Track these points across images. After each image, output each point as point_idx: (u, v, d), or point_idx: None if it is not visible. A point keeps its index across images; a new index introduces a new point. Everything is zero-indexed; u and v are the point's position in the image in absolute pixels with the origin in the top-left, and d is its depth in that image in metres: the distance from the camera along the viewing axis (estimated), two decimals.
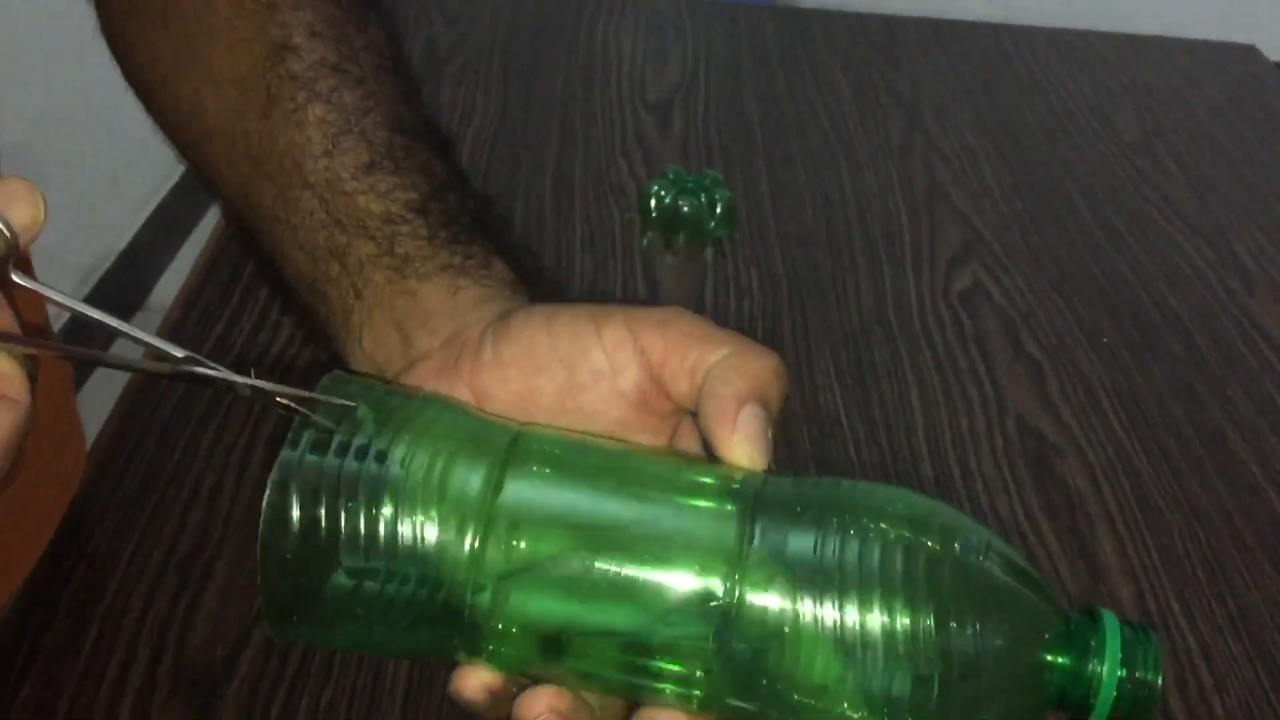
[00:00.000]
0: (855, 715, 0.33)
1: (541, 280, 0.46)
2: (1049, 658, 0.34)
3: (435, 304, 0.43)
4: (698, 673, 0.34)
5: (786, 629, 0.33)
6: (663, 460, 0.37)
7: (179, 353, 0.34)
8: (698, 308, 0.81)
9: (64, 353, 0.35)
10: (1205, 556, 0.65)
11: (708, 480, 0.36)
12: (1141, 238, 0.91)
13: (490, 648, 0.34)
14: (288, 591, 0.34)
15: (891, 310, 0.82)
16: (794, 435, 0.71)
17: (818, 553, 0.33)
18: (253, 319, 0.76)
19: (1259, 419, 0.74)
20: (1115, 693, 0.33)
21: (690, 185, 0.86)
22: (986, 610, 0.33)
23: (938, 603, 0.33)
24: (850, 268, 0.86)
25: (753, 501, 0.35)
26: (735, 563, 0.33)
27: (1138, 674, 0.33)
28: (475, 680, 0.35)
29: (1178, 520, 0.67)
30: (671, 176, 0.87)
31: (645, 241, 0.86)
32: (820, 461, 0.69)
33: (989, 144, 1.02)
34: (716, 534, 0.34)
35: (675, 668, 0.34)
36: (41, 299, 0.35)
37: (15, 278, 0.34)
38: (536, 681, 0.35)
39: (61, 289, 0.34)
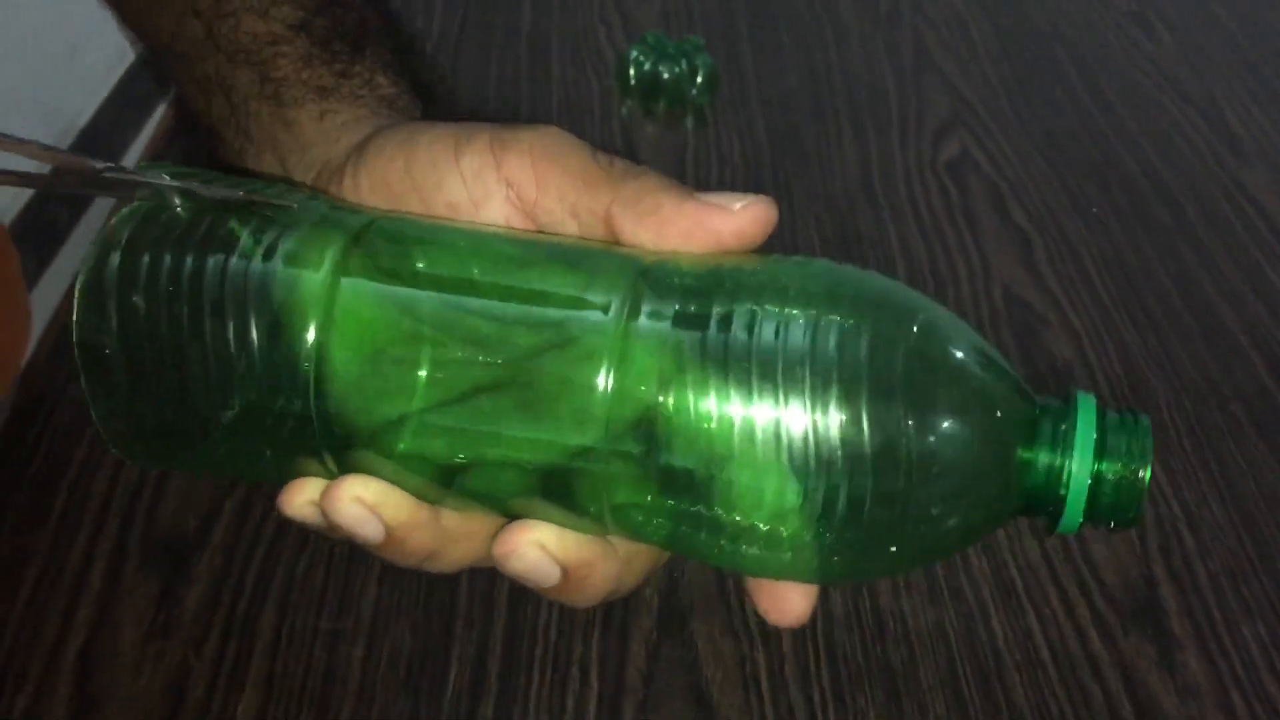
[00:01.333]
0: (788, 532, 0.28)
1: (434, 97, 0.41)
2: (1013, 451, 0.28)
3: (307, 132, 0.39)
4: (583, 481, 0.29)
5: (688, 428, 0.28)
6: (549, 244, 0.31)
7: (98, 164, 0.31)
8: (679, 177, 0.78)
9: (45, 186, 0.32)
10: (1191, 425, 0.64)
11: (593, 260, 0.30)
12: (1132, 106, 0.89)
13: (357, 463, 0.30)
14: (123, 417, 0.31)
15: (877, 180, 0.80)
16: None
17: (735, 340, 0.28)
18: None
19: (1247, 288, 0.73)
20: (1088, 489, 0.28)
21: (671, 51, 0.83)
22: (938, 400, 0.28)
23: (875, 393, 0.27)
24: (835, 136, 0.83)
25: (638, 278, 0.29)
26: (615, 352, 0.28)
27: (1117, 465, 0.28)
28: (302, 496, 0.31)
29: (1164, 389, 0.66)
30: (651, 42, 0.84)
31: (624, 110, 0.83)
32: None
33: (978, 10, 0.99)
34: (606, 329, 0.28)
35: (571, 482, 0.29)
36: None
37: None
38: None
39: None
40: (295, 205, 0.31)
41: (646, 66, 0.83)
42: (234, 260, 0.30)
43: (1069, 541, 0.58)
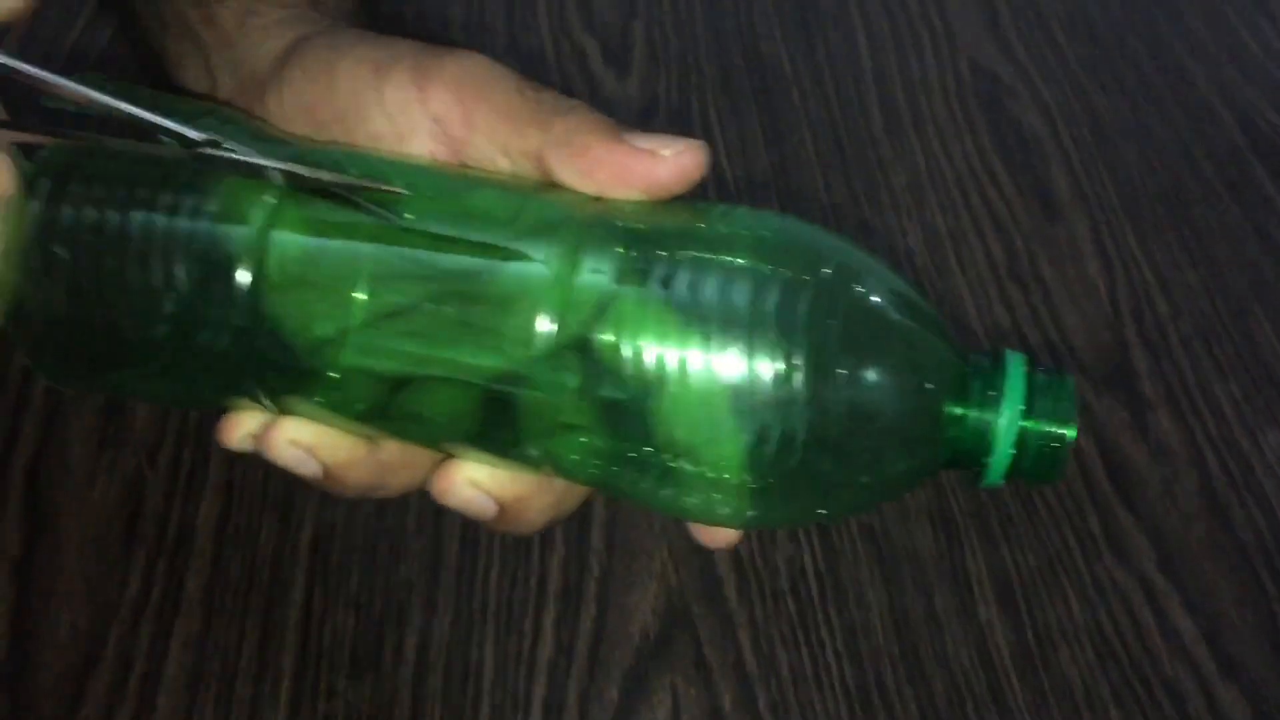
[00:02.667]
0: (718, 475, 0.29)
1: None
2: (942, 406, 0.29)
3: (231, 33, 0.37)
4: (531, 422, 0.29)
5: (627, 375, 0.28)
6: (491, 183, 0.31)
7: (198, 136, 0.29)
8: None
9: (65, 139, 0.30)
10: (1163, 189, 0.63)
11: (541, 208, 0.30)
12: None
13: (295, 399, 0.31)
14: (51, 344, 0.31)
15: None
16: (736, 90, 0.67)
17: (670, 286, 0.28)
18: None
19: (1219, 49, 0.71)
20: (1014, 446, 0.29)
21: None
22: (870, 352, 0.28)
23: (811, 342, 0.28)
24: None
25: (580, 229, 0.29)
26: (566, 295, 0.28)
27: (1043, 425, 0.29)
28: (241, 430, 0.32)
29: (1134, 154, 0.65)
30: None
31: None
32: (766, 113, 0.65)
33: None
34: (546, 266, 0.29)
35: (506, 420, 0.29)
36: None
37: (1, 58, 0.28)
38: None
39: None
40: (405, 191, 0.30)
41: None
42: (173, 189, 0.30)
43: (1039, 310, 0.57)
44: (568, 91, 0.68)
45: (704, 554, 0.46)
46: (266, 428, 0.31)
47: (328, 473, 0.32)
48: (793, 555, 0.47)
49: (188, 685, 0.41)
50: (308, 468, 0.31)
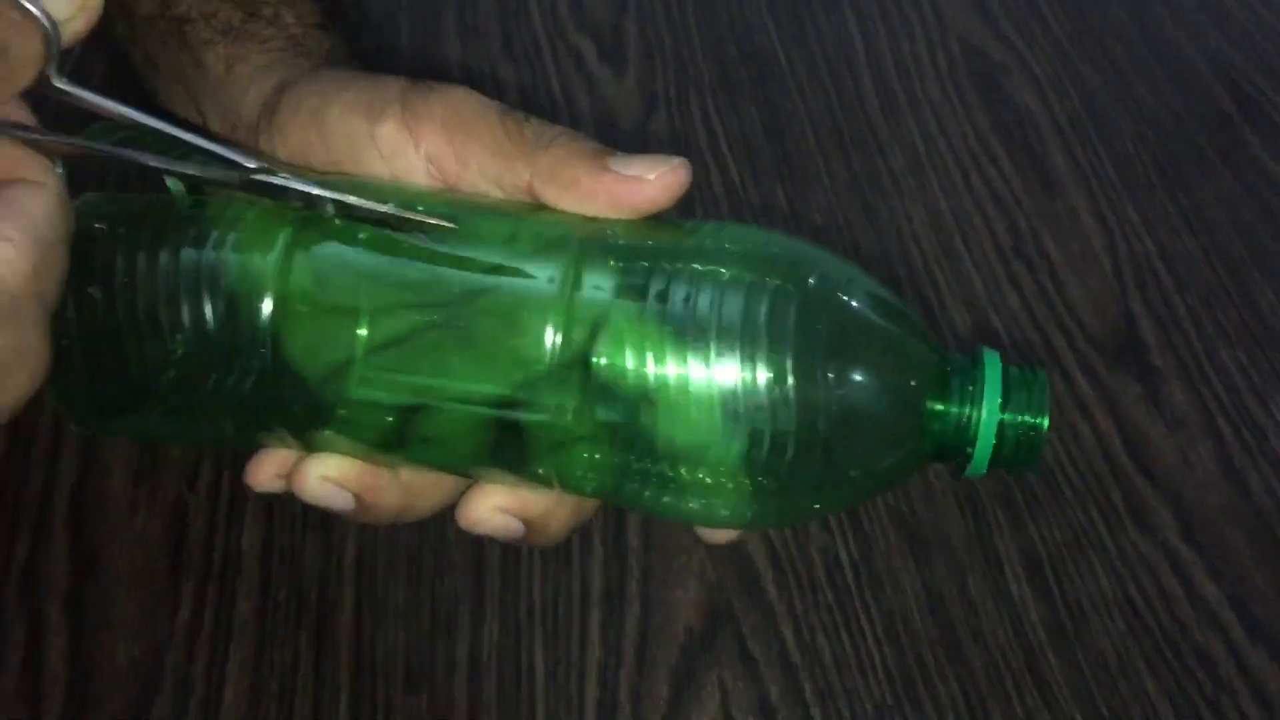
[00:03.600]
0: (717, 480, 0.30)
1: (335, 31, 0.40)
2: (924, 403, 0.31)
3: (219, 77, 0.38)
4: (539, 440, 0.31)
5: (630, 389, 0.29)
6: (488, 209, 0.32)
7: (250, 163, 0.30)
8: None
9: (114, 159, 0.30)
10: (1158, 160, 0.64)
11: (532, 231, 0.31)
12: None
13: (316, 434, 0.32)
14: (81, 387, 0.32)
15: None
16: (733, 83, 0.67)
17: (664, 302, 0.30)
18: None
19: (1204, 17, 0.72)
20: (994, 438, 0.31)
21: None
22: (855, 355, 0.30)
23: (799, 349, 0.29)
24: None
25: (579, 250, 0.31)
26: (561, 318, 0.30)
27: (1020, 417, 0.31)
28: (268, 471, 0.33)
29: (1128, 126, 0.66)
30: None
31: None
32: (765, 104, 0.66)
33: None
34: (545, 287, 0.30)
35: (514, 437, 0.31)
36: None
37: (58, 83, 0.28)
38: None
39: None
40: (455, 226, 0.31)
41: None
42: (193, 234, 0.31)
43: (1046, 287, 0.58)
44: (566, 91, 0.68)
45: (740, 549, 0.47)
46: (294, 467, 0.32)
47: (359, 502, 0.33)
48: (827, 545, 0.48)
49: (248, 707, 0.42)
50: (339, 501, 0.33)
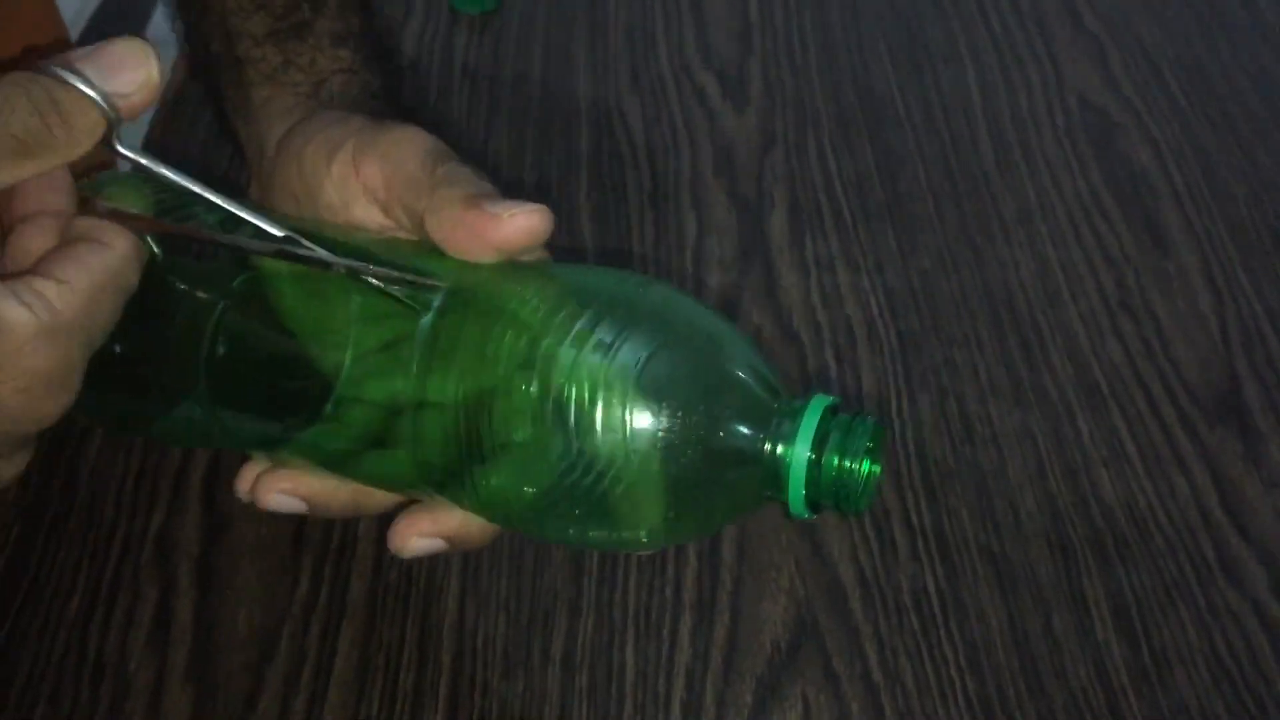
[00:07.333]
0: (562, 510, 0.33)
1: (379, 70, 0.45)
2: (751, 443, 0.32)
3: (255, 114, 0.43)
4: (402, 454, 0.34)
5: (475, 424, 0.33)
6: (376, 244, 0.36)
7: (278, 232, 0.34)
8: None
9: (164, 230, 0.35)
10: (1271, 224, 0.64)
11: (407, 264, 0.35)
12: None
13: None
14: (98, 393, 0.35)
15: None
16: (850, 125, 0.69)
17: (508, 339, 0.32)
18: None
19: None
20: (805, 479, 0.32)
21: None
22: (690, 396, 0.32)
23: (636, 388, 0.31)
24: None
25: (451, 289, 0.34)
26: (419, 347, 0.33)
27: (834, 459, 0.32)
28: (245, 484, 0.38)
29: (1243, 189, 0.66)
30: None
31: None
32: (880, 148, 0.68)
33: None
34: (404, 314, 0.34)
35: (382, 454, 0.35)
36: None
37: (121, 149, 0.32)
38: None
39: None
40: (443, 285, 0.34)
41: None
42: (194, 289, 0.36)
43: (1151, 343, 0.58)
44: (689, 125, 0.71)
45: (830, 568, 0.49)
46: (256, 484, 0.37)
47: (311, 505, 0.37)
48: (915, 574, 0.49)
49: (356, 679, 0.45)
50: (292, 506, 0.37)
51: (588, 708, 0.45)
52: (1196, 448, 0.54)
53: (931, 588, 0.49)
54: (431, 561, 0.48)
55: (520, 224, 0.34)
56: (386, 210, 0.37)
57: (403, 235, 0.37)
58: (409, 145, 0.37)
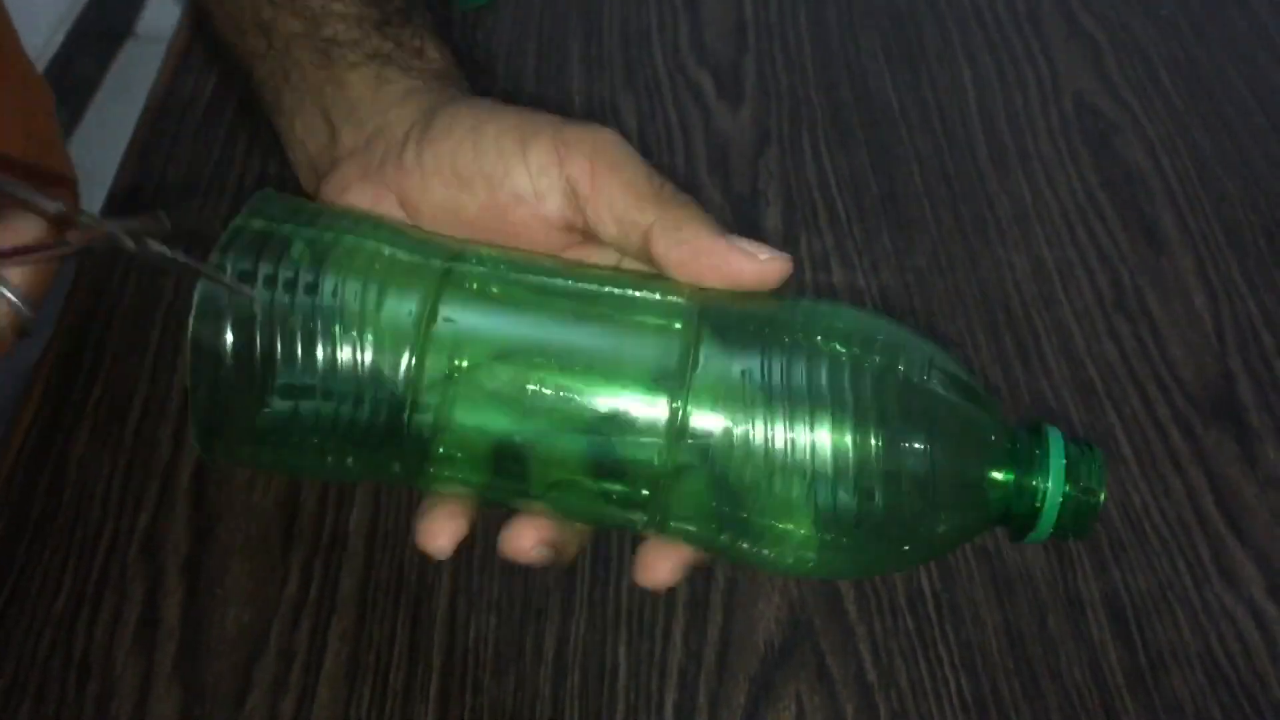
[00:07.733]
0: (803, 532, 0.33)
1: (477, 71, 0.44)
2: (993, 474, 0.34)
3: (360, 95, 0.41)
4: (644, 492, 0.33)
5: (734, 448, 0.32)
6: (607, 277, 0.35)
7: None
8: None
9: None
10: (1267, 225, 0.64)
11: (654, 297, 0.34)
12: None
13: (432, 470, 0.34)
14: (218, 417, 0.34)
15: None
16: (845, 124, 0.69)
17: (763, 371, 0.33)
18: None
19: None
20: (1059, 507, 0.34)
21: None
22: (931, 427, 0.33)
23: (882, 420, 0.32)
24: None
25: (698, 320, 0.33)
26: (681, 381, 0.32)
27: (1081, 488, 0.34)
28: (442, 539, 0.36)
29: (1238, 190, 0.66)
30: None
31: None
32: (875, 147, 0.67)
33: None
34: (662, 352, 0.33)
35: (622, 488, 0.33)
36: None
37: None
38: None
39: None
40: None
41: None
42: (342, 286, 0.34)
43: (1146, 341, 0.58)
44: (683, 123, 0.71)
45: None
46: (509, 536, 0.36)
47: (556, 554, 0.36)
48: (910, 575, 0.49)
49: (345, 676, 0.44)
50: (546, 556, 0.36)
51: (580, 707, 0.44)
52: (1192, 447, 0.54)
53: (927, 589, 0.48)
54: (423, 557, 0.48)
55: (777, 268, 0.35)
56: (582, 204, 0.36)
57: (589, 232, 0.36)
58: (619, 149, 0.36)
